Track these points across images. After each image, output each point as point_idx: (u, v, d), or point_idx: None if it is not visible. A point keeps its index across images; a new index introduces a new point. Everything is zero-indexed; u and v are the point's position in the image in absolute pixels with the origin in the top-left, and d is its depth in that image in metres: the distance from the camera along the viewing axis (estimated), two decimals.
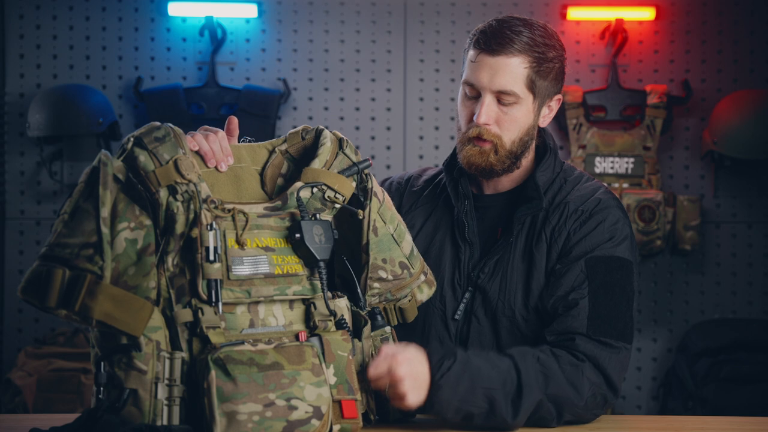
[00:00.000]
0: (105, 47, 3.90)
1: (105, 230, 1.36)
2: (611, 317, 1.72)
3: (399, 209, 1.90)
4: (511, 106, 1.77)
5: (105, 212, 1.36)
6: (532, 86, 1.77)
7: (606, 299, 1.72)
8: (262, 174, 1.57)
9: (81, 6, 3.90)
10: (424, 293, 1.67)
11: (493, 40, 1.76)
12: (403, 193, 1.95)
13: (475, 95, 1.78)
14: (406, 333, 1.81)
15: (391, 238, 1.59)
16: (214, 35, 3.82)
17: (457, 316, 1.81)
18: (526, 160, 1.85)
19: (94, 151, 3.81)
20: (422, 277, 1.65)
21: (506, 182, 1.86)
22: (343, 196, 1.54)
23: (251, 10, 3.84)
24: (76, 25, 3.90)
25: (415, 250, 1.64)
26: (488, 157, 1.78)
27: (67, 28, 3.90)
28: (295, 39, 3.91)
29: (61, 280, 1.34)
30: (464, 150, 1.79)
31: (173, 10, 3.84)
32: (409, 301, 1.65)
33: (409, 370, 1.50)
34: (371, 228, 1.56)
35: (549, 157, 1.84)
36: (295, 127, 4.12)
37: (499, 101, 1.76)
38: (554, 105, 1.84)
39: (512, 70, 1.75)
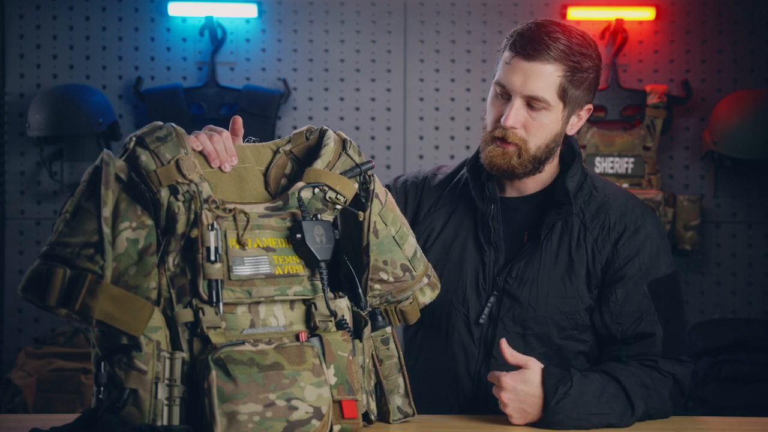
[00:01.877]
0: (105, 47, 3.90)
1: (106, 230, 1.36)
2: (680, 335, 1.80)
3: (417, 209, 1.90)
4: (540, 111, 1.76)
5: (106, 212, 1.36)
6: (563, 94, 1.76)
7: (674, 319, 1.79)
8: (265, 174, 1.57)
9: (81, 6, 3.90)
10: (427, 296, 1.66)
11: (530, 44, 1.75)
12: (422, 193, 1.93)
13: (505, 96, 1.77)
14: (429, 336, 1.82)
15: (393, 240, 1.59)
16: (214, 35, 3.82)
17: (481, 320, 1.80)
18: (551, 165, 1.84)
19: (94, 151, 3.82)
20: (425, 280, 1.64)
21: (531, 185, 1.85)
22: (344, 197, 1.53)
23: (251, 10, 3.84)
24: (76, 25, 3.90)
25: (419, 253, 1.63)
26: (510, 159, 1.78)
27: (67, 28, 3.90)
28: (295, 39, 3.91)
29: (61, 279, 1.33)
30: (487, 149, 1.79)
31: (173, 10, 3.84)
32: (410, 303, 1.64)
33: (514, 397, 1.62)
34: (371, 230, 1.56)
35: (577, 162, 1.84)
36: (295, 128, 4.13)
37: (529, 106, 1.76)
38: (584, 114, 1.84)
39: (545, 78, 1.74)
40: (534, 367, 1.64)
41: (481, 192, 1.84)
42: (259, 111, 3.74)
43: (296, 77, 3.91)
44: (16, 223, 3.90)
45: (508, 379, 1.62)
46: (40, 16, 3.90)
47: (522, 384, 1.62)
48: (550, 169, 1.85)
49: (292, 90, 3.90)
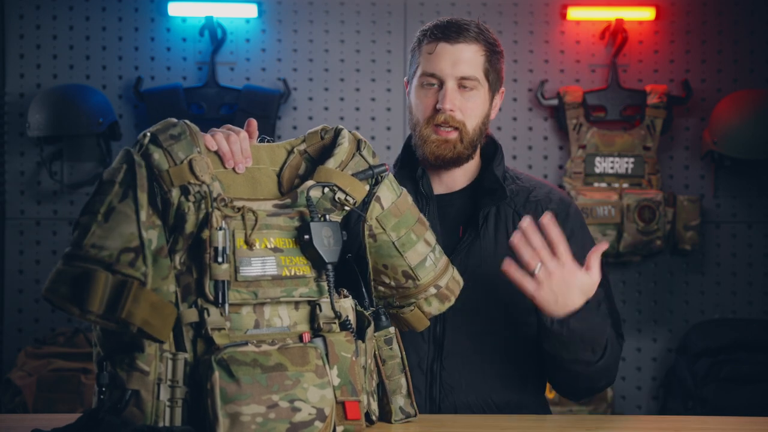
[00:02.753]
0: (105, 47, 3.90)
1: (146, 234, 1.34)
2: (616, 313, 1.89)
3: None
4: (472, 92, 1.84)
5: (144, 216, 1.35)
6: (487, 74, 1.86)
7: (610, 296, 1.86)
8: (279, 175, 1.55)
9: (81, 6, 3.90)
10: (433, 306, 1.62)
11: (449, 30, 1.84)
12: None
13: (434, 85, 1.83)
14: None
15: (392, 246, 1.57)
16: (214, 35, 3.81)
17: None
18: (476, 158, 1.91)
19: (94, 151, 3.82)
20: (432, 290, 1.61)
21: (460, 180, 1.91)
22: (353, 199, 1.52)
23: (251, 10, 3.84)
24: (76, 25, 3.90)
25: (429, 262, 1.59)
26: (455, 146, 1.84)
27: (67, 28, 3.90)
28: (295, 39, 3.91)
29: (104, 284, 1.31)
30: (429, 142, 1.84)
31: (173, 10, 3.84)
32: (412, 311, 1.62)
33: (563, 289, 1.63)
34: (369, 233, 1.56)
35: (499, 153, 1.92)
36: (295, 128, 4.11)
37: (461, 87, 1.83)
38: (499, 100, 1.92)
39: (472, 57, 1.84)
40: (596, 277, 1.66)
41: (415, 190, 1.87)
42: (259, 111, 3.74)
43: (296, 77, 3.91)
44: (16, 223, 3.90)
45: (572, 264, 1.63)
46: (40, 16, 3.89)
47: (581, 278, 1.64)
48: (475, 162, 1.92)
49: (292, 90, 3.90)
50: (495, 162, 1.89)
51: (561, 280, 1.62)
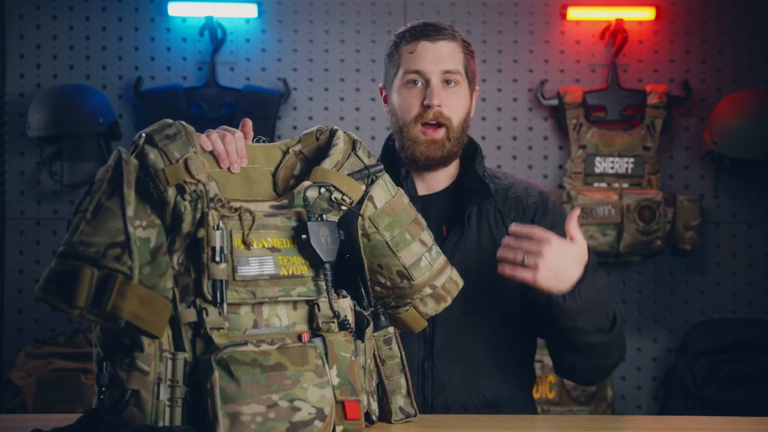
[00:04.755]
0: (105, 47, 3.90)
1: (132, 230, 1.34)
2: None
3: None
4: (456, 87, 1.87)
5: (131, 211, 1.35)
6: (466, 70, 1.89)
7: (602, 288, 1.83)
8: (274, 175, 1.56)
9: (81, 6, 3.90)
10: (429, 307, 1.61)
11: (429, 28, 1.88)
12: None
13: (418, 83, 1.86)
14: None
15: (386, 246, 1.56)
16: (214, 35, 3.82)
17: None
18: (457, 158, 1.94)
19: (94, 151, 3.82)
20: (427, 290, 1.60)
21: (442, 181, 1.94)
22: (350, 198, 1.53)
23: (251, 10, 3.84)
24: (76, 25, 3.90)
25: (424, 262, 1.59)
26: (444, 146, 1.87)
27: (67, 28, 3.90)
28: (295, 39, 3.91)
29: (89, 279, 1.31)
30: (418, 143, 1.86)
31: (173, 10, 3.84)
32: (407, 311, 1.61)
33: (559, 261, 1.66)
34: (362, 233, 1.56)
35: (479, 153, 1.95)
36: (295, 128, 4.11)
37: (445, 83, 1.86)
38: (475, 98, 1.95)
39: (453, 52, 1.87)
40: (582, 243, 1.69)
41: None
42: (259, 111, 3.74)
43: (296, 77, 3.91)
44: (16, 223, 3.90)
45: (557, 239, 1.66)
46: (40, 16, 3.90)
47: (570, 249, 1.67)
48: (456, 163, 1.95)
49: (292, 90, 3.90)
50: (476, 161, 1.92)
51: (553, 256, 1.66)
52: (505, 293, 1.85)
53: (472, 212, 1.89)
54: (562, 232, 1.81)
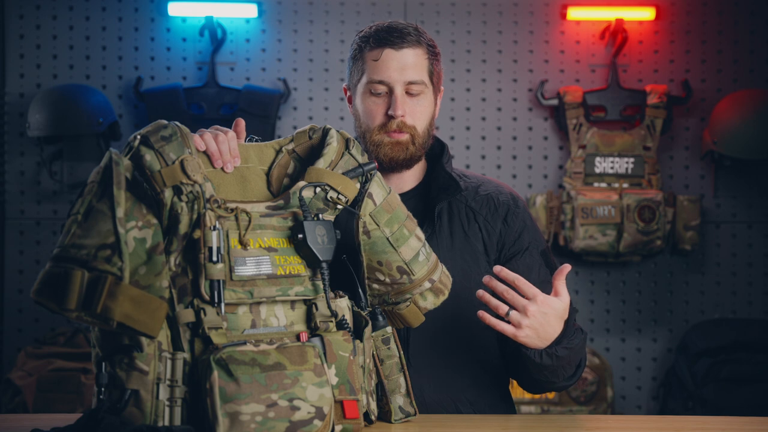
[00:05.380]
0: (105, 47, 3.90)
1: (122, 231, 1.34)
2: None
3: None
4: (419, 96, 1.86)
5: (120, 212, 1.35)
6: (431, 76, 1.88)
7: (578, 347, 1.83)
8: (268, 174, 1.56)
9: (81, 6, 3.90)
10: (428, 301, 1.63)
11: (392, 35, 1.85)
12: None
13: (382, 93, 1.84)
14: None
15: (386, 242, 1.58)
16: (214, 35, 3.82)
17: None
18: (423, 159, 1.94)
19: (94, 151, 3.82)
20: (426, 284, 1.62)
21: (409, 181, 1.93)
22: (345, 197, 1.53)
23: (251, 10, 3.84)
24: (76, 25, 3.90)
25: (422, 256, 1.61)
26: (407, 148, 1.86)
27: (67, 28, 3.90)
28: (295, 39, 3.91)
29: (80, 281, 1.32)
30: (383, 146, 1.85)
31: (173, 10, 3.84)
32: (408, 306, 1.62)
33: (542, 321, 1.66)
34: (363, 230, 1.56)
35: (447, 152, 1.95)
36: (295, 128, 4.11)
37: (408, 93, 1.85)
38: (440, 99, 1.94)
39: (417, 61, 1.85)
40: (566, 299, 1.69)
41: None
42: (259, 111, 3.74)
43: (296, 77, 3.91)
44: (16, 223, 3.90)
45: (543, 297, 1.66)
46: (40, 16, 3.90)
47: (554, 306, 1.67)
48: (422, 163, 1.95)
49: (292, 90, 3.90)
50: (444, 159, 1.93)
51: (537, 315, 1.65)
52: (478, 286, 1.83)
53: (442, 210, 1.89)
54: (531, 233, 1.88)
